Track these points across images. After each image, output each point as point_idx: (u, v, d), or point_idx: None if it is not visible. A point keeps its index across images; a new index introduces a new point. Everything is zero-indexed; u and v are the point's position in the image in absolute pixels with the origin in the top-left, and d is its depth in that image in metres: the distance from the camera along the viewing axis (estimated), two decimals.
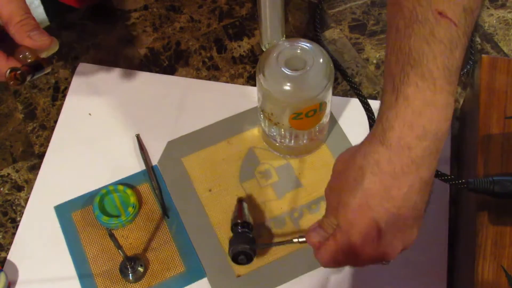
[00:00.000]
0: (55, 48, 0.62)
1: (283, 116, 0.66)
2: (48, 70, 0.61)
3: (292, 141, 0.70)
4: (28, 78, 0.57)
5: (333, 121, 0.75)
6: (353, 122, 0.75)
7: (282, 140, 0.71)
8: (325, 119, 0.70)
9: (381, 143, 0.48)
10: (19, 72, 0.57)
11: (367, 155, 0.49)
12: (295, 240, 0.64)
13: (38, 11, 0.91)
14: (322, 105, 0.65)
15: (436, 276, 0.66)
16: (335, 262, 0.53)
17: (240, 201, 0.70)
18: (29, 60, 0.59)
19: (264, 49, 0.72)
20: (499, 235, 0.57)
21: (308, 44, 0.65)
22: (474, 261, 0.56)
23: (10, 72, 0.56)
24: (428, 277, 0.66)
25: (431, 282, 0.66)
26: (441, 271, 0.66)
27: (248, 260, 0.64)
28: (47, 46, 0.60)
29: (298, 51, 0.65)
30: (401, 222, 0.50)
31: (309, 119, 0.66)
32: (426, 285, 0.66)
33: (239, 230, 0.65)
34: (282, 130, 0.68)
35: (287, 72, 0.63)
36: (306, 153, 0.73)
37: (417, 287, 0.66)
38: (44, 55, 0.61)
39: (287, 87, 0.63)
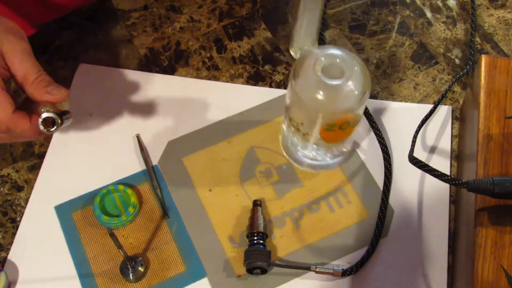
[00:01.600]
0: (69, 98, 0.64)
1: (314, 127, 0.62)
2: (71, 118, 0.64)
3: (317, 155, 0.68)
4: (61, 123, 0.60)
5: None
6: None
7: (304, 152, 0.68)
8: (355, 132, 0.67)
9: None
10: (52, 116, 0.59)
11: None
12: (313, 268, 0.65)
13: None
14: (356, 117, 0.62)
15: (436, 276, 0.66)
16: None
17: (256, 204, 0.69)
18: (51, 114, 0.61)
19: (293, 54, 0.68)
20: (499, 235, 0.57)
21: (345, 53, 0.61)
22: (474, 261, 0.57)
23: (43, 121, 0.59)
24: (428, 276, 0.66)
25: (431, 282, 0.66)
26: (441, 271, 0.66)
27: (263, 273, 0.66)
28: (66, 97, 0.62)
29: (337, 60, 0.60)
30: None
31: (342, 132, 0.63)
32: (426, 285, 0.66)
33: (255, 241, 0.66)
34: (310, 141, 0.65)
35: (325, 80, 0.59)
36: (325, 169, 0.71)
37: (417, 287, 0.66)
38: (62, 107, 0.63)
39: (324, 96, 0.59)
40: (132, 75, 0.80)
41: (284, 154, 0.72)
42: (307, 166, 0.71)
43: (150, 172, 0.73)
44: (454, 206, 0.70)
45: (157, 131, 0.76)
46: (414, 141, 0.68)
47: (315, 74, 0.59)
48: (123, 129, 0.76)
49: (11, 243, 0.70)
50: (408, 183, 0.71)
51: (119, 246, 0.62)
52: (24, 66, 0.61)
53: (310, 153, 0.67)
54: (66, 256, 0.69)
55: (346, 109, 0.60)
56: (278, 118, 0.76)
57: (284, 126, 0.68)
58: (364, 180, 0.72)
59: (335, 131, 0.62)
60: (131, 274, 0.66)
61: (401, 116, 0.76)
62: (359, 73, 0.60)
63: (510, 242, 0.57)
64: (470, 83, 0.77)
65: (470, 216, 0.61)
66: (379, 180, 0.72)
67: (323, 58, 0.60)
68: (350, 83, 0.59)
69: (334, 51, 0.61)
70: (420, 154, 0.73)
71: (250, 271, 0.66)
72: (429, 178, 0.60)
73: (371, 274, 0.67)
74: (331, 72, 0.60)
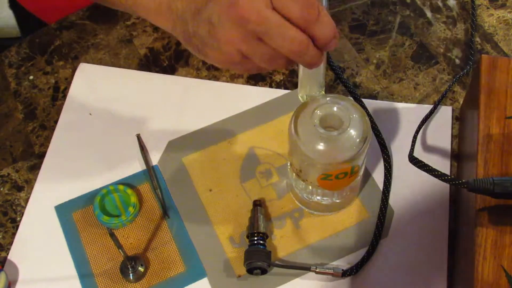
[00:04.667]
0: None
1: (311, 174, 0.62)
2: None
3: (322, 199, 0.67)
4: None
5: None
6: None
7: (310, 197, 0.67)
8: (357, 179, 0.66)
9: None
10: None
11: None
12: (313, 268, 0.65)
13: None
14: (354, 168, 0.61)
15: (436, 276, 0.66)
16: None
17: (256, 205, 0.69)
18: None
19: (300, 98, 0.64)
20: (499, 235, 0.57)
21: (346, 103, 0.60)
22: (474, 261, 0.57)
23: None
24: (428, 277, 0.66)
25: (431, 282, 0.66)
26: (441, 271, 0.66)
27: (263, 273, 0.66)
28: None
29: (335, 109, 0.60)
30: None
31: (339, 181, 0.62)
32: (426, 285, 0.66)
33: (255, 242, 0.66)
34: (310, 187, 0.64)
35: (321, 131, 0.58)
36: (337, 209, 0.70)
37: (417, 287, 0.66)
38: None
39: (319, 146, 0.59)
40: (132, 75, 0.80)
41: (294, 199, 0.71)
42: (315, 209, 0.69)
43: (150, 172, 0.73)
44: (454, 206, 0.70)
45: (157, 131, 0.76)
46: (414, 141, 0.68)
47: (312, 124, 0.59)
48: (123, 129, 0.76)
49: (11, 243, 0.70)
50: (408, 183, 0.71)
51: (119, 246, 0.62)
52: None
53: (315, 197, 0.66)
54: (66, 256, 0.69)
55: (341, 161, 0.59)
56: (278, 118, 0.76)
57: (288, 169, 0.67)
58: (364, 181, 0.72)
59: (332, 180, 0.61)
60: (131, 274, 0.66)
61: (401, 116, 0.76)
62: (358, 125, 0.59)
63: (510, 242, 0.57)
64: (470, 83, 0.77)
65: (470, 216, 0.61)
66: (379, 180, 0.72)
67: (322, 108, 0.60)
68: (347, 135, 0.59)
69: (335, 100, 0.60)
70: (420, 154, 0.73)
71: (250, 271, 0.66)
72: (429, 178, 0.60)
73: (371, 274, 0.67)
74: (329, 122, 0.60)
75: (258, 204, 0.69)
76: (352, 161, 0.59)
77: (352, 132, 0.59)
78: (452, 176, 0.57)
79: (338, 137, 0.58)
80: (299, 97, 0.65)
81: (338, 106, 0.60)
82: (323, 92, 0.65)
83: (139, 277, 0.67)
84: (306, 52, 0.51)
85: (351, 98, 0.61)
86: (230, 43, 0.51)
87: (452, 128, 0.75)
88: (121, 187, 0.71)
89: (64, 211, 0.71)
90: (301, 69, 0.63)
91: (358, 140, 0.59)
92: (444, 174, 0.57)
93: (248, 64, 0.53)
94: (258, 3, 0.49)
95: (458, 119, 0.76)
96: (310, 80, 0.64)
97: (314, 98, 0.62)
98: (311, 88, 0.64)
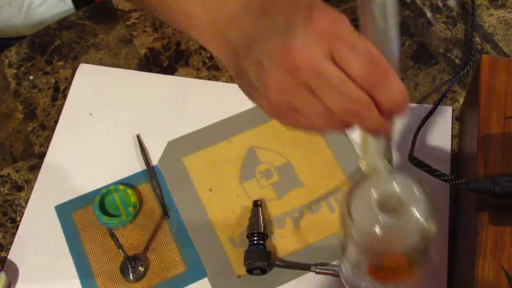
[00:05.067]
0: None
1: (360, 262, 0.55)
2: None
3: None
4: None
5: None
6: None
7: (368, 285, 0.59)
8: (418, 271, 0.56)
9: None
10: None
11: None
12: (313, 268, 0.65)
13: (39, 11, 0.91)
14: (410, 261, 0.52)
15: (436, 276, 0.66)
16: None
17: (256, 205, 0.69)
18: None
19: (361, 165, 0.55)
20: (499, 235, 0.57)
21: (412, 183, 0.51)
22: (474, 261, 0.56)
23: None
24: (428, 277, 0.66)
25: (431, 282, 0.66)
26: (441, 271, 0.66)
27: (263, 273, 0.66)
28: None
29: (398, 191, 0.50)
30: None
31: (394, 274, 0.54)
32: (426, 285, 0.66)
33: (255, 242, 0.66)
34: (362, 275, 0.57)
35: (378, 215, 0.49)
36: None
37: (417, 287, 0.66)
38: None
39: (374, 231, 0.49)
40: (132, 75, 0.80)
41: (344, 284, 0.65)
42: None
43: (150, 172, 0.73)
44: (454, 206, 0.70)
45: (157, 131, 0.76)
46: (414, 141, 0.68)
47: (365, 203, 0.50)
48: (123, 129, 0.76)
49: (11, 243, 0.70)
50: None
51: (119, 246, 0.62)
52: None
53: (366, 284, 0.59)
54: (66, 256, 0.69)
55: (391, 253, 0.50)
56: None
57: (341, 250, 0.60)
58: None
59: (385, 272, 0.54)
60: (131, 274, 0.66)
61: (401, 116, 0.76)
62: (421, 208, 0.50)
63: (510, 242, 0.57)
64: (470, 83, 0.77)
65: (470, 216, 0.61)
66: None
67: (382, 187, 0.50)
68: (407, 222, 0.49)
69: (398, 178, 0.51)
70: (420, 154, 0.73)
71: (250, 271, 0.66)
72: (429, 178, 0.59)
73: None
74: (388, 203, 0.50)
75: (258, 204, 0.69)
76: (407, 254, 0.51)
77: (416, 218, 0.49)
78: (452, 176, 0.57)
79: (396, 223, 0.49)
80: (360, 163, 0.55)
81: (403, 187, 0.51)
82: (389, 164, 0.53)
83: (139, 277, 0.67)
84: (366, 115, 0.43)
85: (419, 179, 0.52)
86: (278, 92, 0.44)
87: (452, 128, 0.75)
88: (121, 187, 0.71)
89: (64, 211, 0.71)
90: (366, 137, 0.53)
91: (417, 230, 0.49)
92: (444, 174, 0.57)
93: (298, 118, 0.46)
94: (316, 51, 0.42)
95: (458, 119, 0.76)
96: (373, 147, 0.54)
97: (376, 171, 0.52)
98: (374, 157, 0.54)
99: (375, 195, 0.50)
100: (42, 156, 0.75)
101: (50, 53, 0.83)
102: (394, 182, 0.51)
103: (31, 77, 0.81)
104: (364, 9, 0.46)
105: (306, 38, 0.43)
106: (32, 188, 0.73)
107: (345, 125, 0.45)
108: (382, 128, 0.45)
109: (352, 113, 0.43)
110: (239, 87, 0.49)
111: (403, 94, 0.43)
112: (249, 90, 0.48)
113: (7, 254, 0.69)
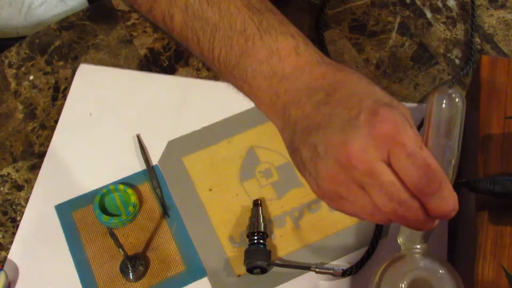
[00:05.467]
0: None
1: None
2: None
3: None
4: None
5: None
6: None
7: None
8: None
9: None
10: None
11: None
12: (313, 267, 0.65)
13: (39, 11, 0.91)
14: None
15: None
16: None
17: (256, 204, 0.69)
18: None
19: (399, 242, 0.57)
20: (499, 235, 0.57)
21: (439, 267, 0.53)
22: (474, 261, 0.56)
23: None
24: None
25: None
26: None
27: (263, 272, 0.66)
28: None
29: (431, 279, 0.52)
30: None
31: None
32: None
33: (255, 241, 0.66)
34: None
35: None
36: None
37: None
38: None
39: None
40: (132, 75, 0.80)
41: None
42: None
43: (150, 172, 0.73)
44: None
45: (157, 131, 0.76)
46: None
47: (396, 283, 0.52)
48: (123, 129, 0.76)
49: (11, 243, 0.70)
50: None
51: (119, 246, 0.62)
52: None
53: None
54: (66, 256, 0.68)
55: None
56: None
57: None
58: None
59: None
60: (131, 274, 0.66)
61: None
62: None
63: (510, 242, 0.57)
64: (470, 83, 0.77)
65: (470, 216, 0.61)
66: None
67: (414, 271, 0.53)
68: None
69: (431, 264, 0.53)
70: None
71: (250, 270, 0.66)
72: None
73: (371, 274, 0.66)
74: (417, 285, 0.52)
75: (258, 204, 0.69)
76: None
77: None
78: None
79: None
80: (398, 240, 0.58)
81: (433, 272, 0.53)
82: (426, 246, 0.56)
83: (139, 276, 0.67)
84: (412, 218, 0.45)
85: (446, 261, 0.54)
86: (329, 181, 0.46)
87: None
88: (121, 186, 0.71)
89: (64, 211, 0.71)
90: None
91: None
92: None
93: (344, 204, 0.47)
94: (372, 155, 0.44)
95: None
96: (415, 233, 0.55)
97: (411, 252, 0.54)
98: (413, 237, 0.55)
99: (405, 279, 0.52)
100: (42, 155, 0.75)
101: (50, 53, 0.83)
102: (425, 265, 0.53)
103: (31, 77, 0.81)
104: (429, 119, 0.47)
105: (366, 141, 0.44)
106: (32, 187, 0.73)
107: (390, 221, 0.46)
108: (425, 228, 0.46)
109: (400, 217, 0.45)
110: (291, 159, 0.50)
111: (453, 205, 0.45)
112: (300, 167, 0.49)
113: (7, 254, 0.69)
